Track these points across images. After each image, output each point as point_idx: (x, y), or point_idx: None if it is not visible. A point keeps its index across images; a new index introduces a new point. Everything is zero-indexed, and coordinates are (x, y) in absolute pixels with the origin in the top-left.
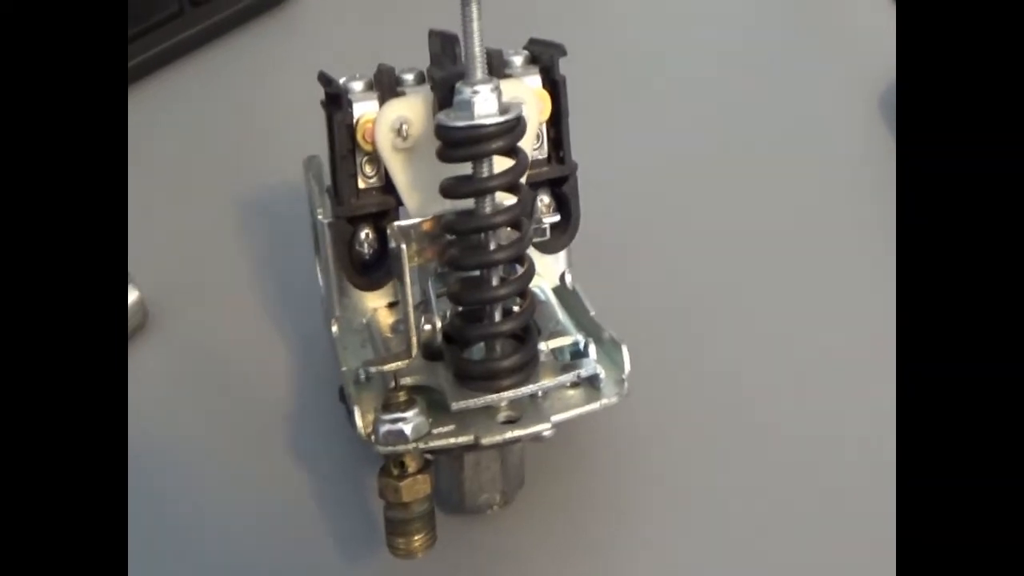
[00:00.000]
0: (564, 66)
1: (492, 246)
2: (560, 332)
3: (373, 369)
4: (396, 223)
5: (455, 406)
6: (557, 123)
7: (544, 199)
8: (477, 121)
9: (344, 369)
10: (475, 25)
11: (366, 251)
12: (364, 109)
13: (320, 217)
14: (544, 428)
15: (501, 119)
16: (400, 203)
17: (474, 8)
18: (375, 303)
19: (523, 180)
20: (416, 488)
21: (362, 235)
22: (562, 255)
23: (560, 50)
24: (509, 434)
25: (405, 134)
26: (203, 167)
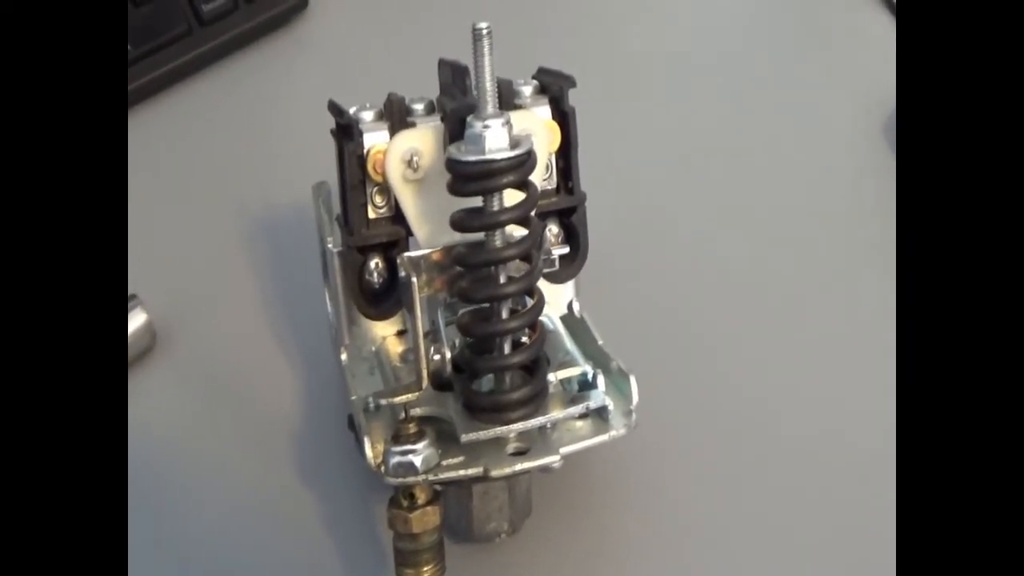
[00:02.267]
0: (572, 95)
1: (502, 279)
2: (569, 363)
3: (384, 400)
4: (406, 253)
5: (465, 438)
6: (566, 154)
7: (553, 229)
8: (488, 156)
9: (353, 398)
10: (486, 60)
11: (376, 280)
12: (375, 140)
13: (330, 246)
14: (553, 460)
15: (512, 154)
16: (410, 233)
17: (485, 43)
18: (384, 331)
19: (533, 212)
20: (426, 519)
21: (372, 264)
22: (570, 284)
23: (570, 81)
24: (519, 466)
25: (416, 165)
26: (211, 188)
